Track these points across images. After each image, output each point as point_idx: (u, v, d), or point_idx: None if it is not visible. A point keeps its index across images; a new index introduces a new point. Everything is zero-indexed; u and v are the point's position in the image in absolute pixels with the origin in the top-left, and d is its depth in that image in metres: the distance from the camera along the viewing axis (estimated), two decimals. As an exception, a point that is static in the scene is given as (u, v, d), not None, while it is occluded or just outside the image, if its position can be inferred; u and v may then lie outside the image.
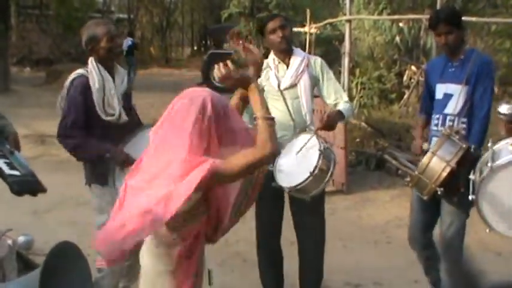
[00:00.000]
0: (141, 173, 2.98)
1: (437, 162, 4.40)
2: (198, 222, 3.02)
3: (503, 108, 4.75)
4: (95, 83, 4.41)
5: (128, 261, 4.66)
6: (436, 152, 4.41)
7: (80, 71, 4.54)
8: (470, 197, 4.27)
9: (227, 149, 2.96)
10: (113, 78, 4.53)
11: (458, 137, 4.44)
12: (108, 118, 4.42)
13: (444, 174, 4.36)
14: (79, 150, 4.46)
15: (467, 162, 4.41)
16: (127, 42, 25.25)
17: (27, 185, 4.14)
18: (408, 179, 4.61)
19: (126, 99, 4.63)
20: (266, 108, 3.03)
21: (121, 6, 48.49)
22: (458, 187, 4.46)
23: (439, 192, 4.43)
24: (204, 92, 3.02)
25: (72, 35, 34.04)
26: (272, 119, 3.00)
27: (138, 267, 4.84)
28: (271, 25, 4.79)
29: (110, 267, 4.46)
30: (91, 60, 4.49)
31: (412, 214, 5.10)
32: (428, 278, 5.13)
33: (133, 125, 4.62)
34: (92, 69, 4.45)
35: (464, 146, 4.35)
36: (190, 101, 2.97)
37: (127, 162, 4.35)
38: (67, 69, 22.02)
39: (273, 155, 2.98)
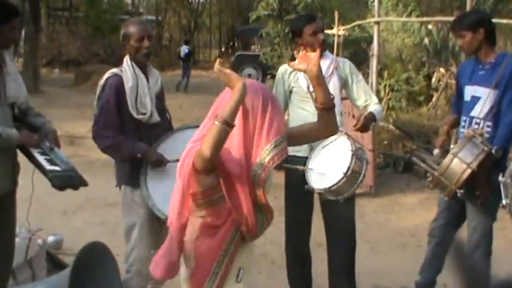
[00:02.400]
0: None
1: (458, 164, 4.42)
2: (218, 206, 3.07)
3: None
4: (128, 81, 4.40)
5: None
6: (457, 153, 4.43)
7: (114, 70, 4.54)
8: (504, 201, 4.25)
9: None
10: (147, 78, 4.54)
11: (481, 139, 4.42)
12: (140, 117, 4.42)
13: (464, 176, 4.38)
14: (111, 151, 4.48)
15: (489, 164, 4.43)
16: (184, 49, 26.69)
17: (69, 180, 4.19)
18: (430, 179, 4.63)
19: (159, 100, 4.64)
20: (232, 115, 2.89)
21: (149, 7, 48.77)
22: (481, 189, 4.46)
23: (458, 194, 4.44)
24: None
25: (101, 37, 34.43)
26: (230, 126, 2.88)
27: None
28: (311, 27, 4.75)
29: (138, 269, 4.47)
30: (126, 59, 4.50)
31: (438, 210, 5.12)
32: (419, 276, 5.15)
33: (165, 127, 4.64)
34: (127, 68, 4.46)
35: (486, 148, 4.35)
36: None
37: (160, 163, 4.36)
38: (95, 70, 22.32)
39: (199, 155, 2.91)
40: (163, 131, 4.55)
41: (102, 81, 4.52)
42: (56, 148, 4.33)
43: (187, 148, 3.08)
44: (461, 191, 4.41)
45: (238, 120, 2.98)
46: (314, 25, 4.77)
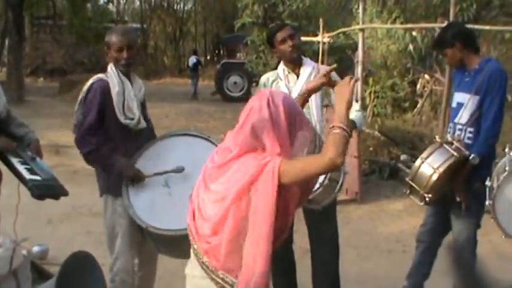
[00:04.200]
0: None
1: (426, 169, 4.51)
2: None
3: None
4: (115, 86, 4.37)
5: (140, 272, 4.67)
6: (426, 158, 4.52)
7: (99, 75, 4.50)
8: (487, 202, 4.31)
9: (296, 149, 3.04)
10: (132, 85, 4.51)
11: (456, 145, 4.48)
12: (127, 122, 4.38)
13: (431, 180, 4.44)
14: (91, 157, 4.41)
15: (465, 170, 4.52)
16: (192, 60, 27.31)
17: (48, 189, 4.16)
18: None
19: (143, 108, 4.62)
20: (341, 118, 3.00)
21: (134, 15, 48.76)
22: (461, 196, 4.52)
23: (426, 199, 4.48)
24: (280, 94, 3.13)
25: (86, 45, 34.33)
26: (343, 128, 2.96)
27: (152, 279, 4.86)
28: (280, 35, 4.78)
29: (122, 279, 4.46)
30: (111, 65, 4.46)
31: (425, 216, 5.17)
32: (406, 282, 5.16)
33: (149, 134, 4.63)
34: (112, 74, 4.42)
35: (456, 154, 4.40)
36: (261, 101, 3.04)
37: (137, 177, 4.32)
38: (80, 79, 22.19)
39: (333, 162, 2.89)
40: (147, 140, 4.53)
41: (86, 87, 4.47)
42: (38, 158, 4.31)
43: (266, 164, 2.96)
44: (430, 195, 4.47)
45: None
46: (283, 32, 4.78)
